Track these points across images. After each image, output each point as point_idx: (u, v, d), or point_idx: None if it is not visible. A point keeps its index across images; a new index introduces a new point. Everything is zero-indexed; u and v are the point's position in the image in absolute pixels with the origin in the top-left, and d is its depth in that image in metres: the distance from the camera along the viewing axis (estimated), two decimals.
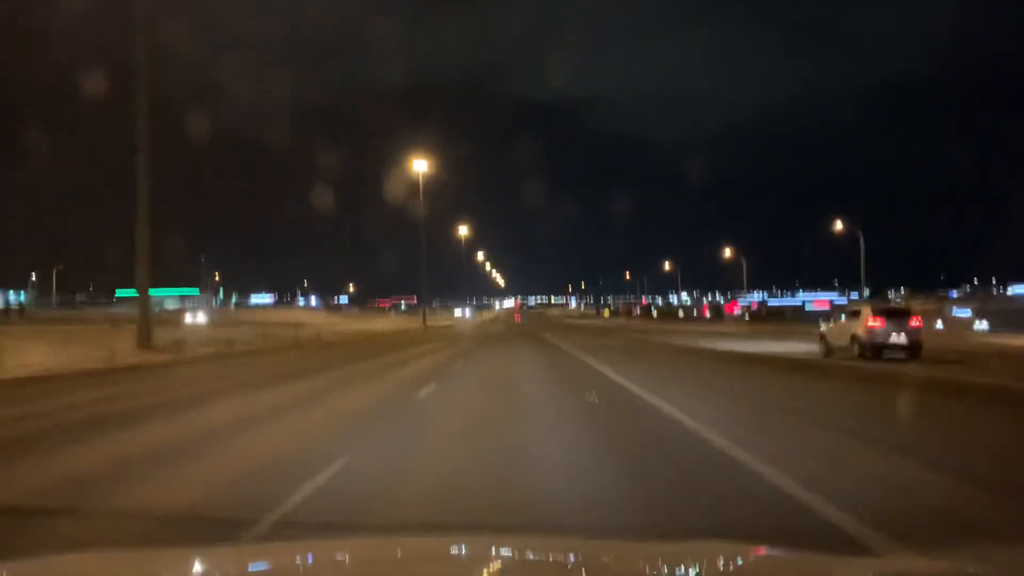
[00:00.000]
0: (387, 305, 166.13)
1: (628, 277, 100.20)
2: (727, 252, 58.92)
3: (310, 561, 2.68)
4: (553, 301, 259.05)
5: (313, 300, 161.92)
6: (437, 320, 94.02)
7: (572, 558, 2.63)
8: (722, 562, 2.51)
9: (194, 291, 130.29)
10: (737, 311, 77.15)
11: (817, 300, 68.39)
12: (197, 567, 2.56)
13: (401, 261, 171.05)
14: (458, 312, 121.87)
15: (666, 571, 2.45)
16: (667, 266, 77.80)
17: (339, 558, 2.75)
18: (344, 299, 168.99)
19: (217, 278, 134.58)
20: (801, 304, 63.22)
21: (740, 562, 2.53)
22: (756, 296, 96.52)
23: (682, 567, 2.46)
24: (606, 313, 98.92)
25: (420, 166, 62.56)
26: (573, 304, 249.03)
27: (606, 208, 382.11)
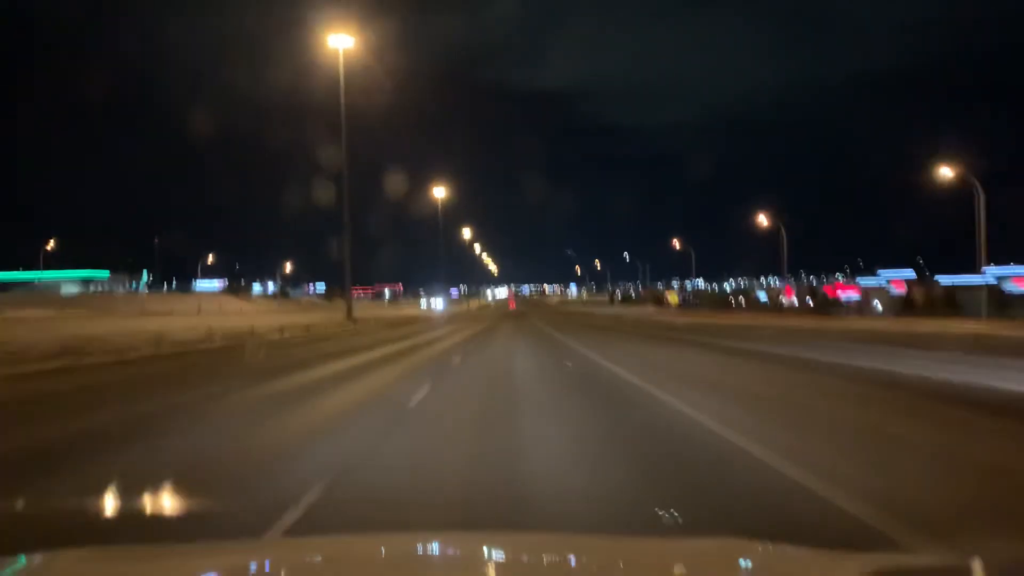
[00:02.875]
0: (364, 293, 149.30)
1: (678, 245, 72.79)
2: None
3: (305, 560, 2.62)
4: (548, 290, 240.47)
5: (271, 286, 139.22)
6: (395, 311, 67.90)
7: (573, 558, 2.57)
8: (725, 558, 2.42)
9: (103, 273, 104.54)
10: (848, 296, 50.95)
11: (1017, 277, 43.23)
12: (180, 568, 2.45)
13: (395, 251, 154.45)
14: (426, 303, 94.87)
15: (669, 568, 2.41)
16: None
17: (334, 557, 2.63)
18: (321, 287, 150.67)
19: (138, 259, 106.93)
20: (994, 283, 39.36)
21: (741, 559, 2.43)
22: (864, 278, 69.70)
23: (685, 565, 2.39)
24: (672, 299, 67.35)
25: (339, 42, 35.94)
26: (573, 292, 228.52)
27: (601, 197, 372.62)
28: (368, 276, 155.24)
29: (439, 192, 76.60)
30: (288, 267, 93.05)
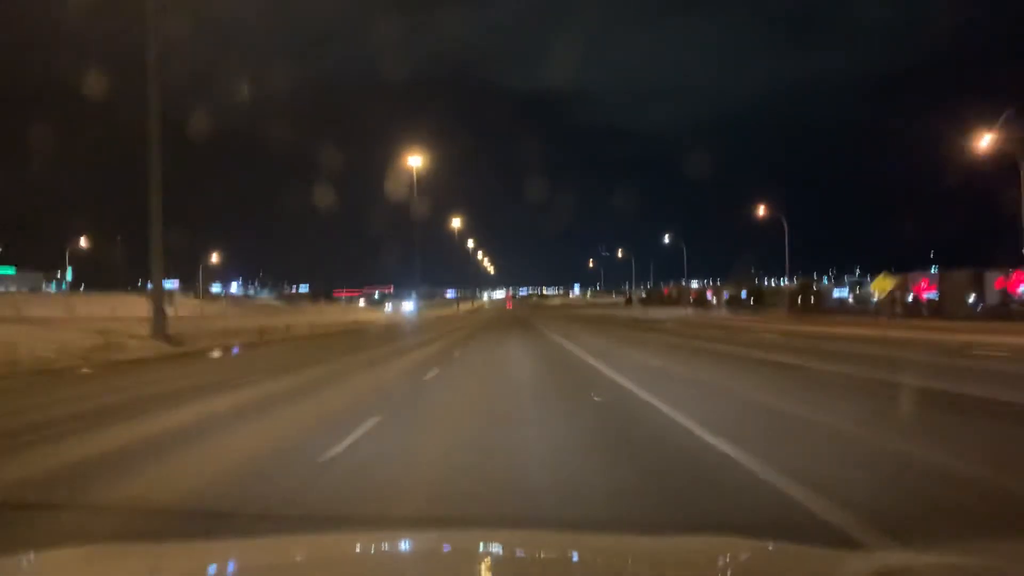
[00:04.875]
0: (350, 295, 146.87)
1: (762, 210, 52.81)
2: None
3: (298, 558, 2.56)
4: (545, 292, 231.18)
5: (233, 287, 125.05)
6: (340, 316, 49.45)
7: (573, 555, 2.50)
8: (722, 557, 2.30)
9: (8, 270, 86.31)
10: None
11: None
12: (180, 564, 2.42)
13: (394, 254, 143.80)
14: (391, 306, 75.98)
15: (665, 568, 2.30)
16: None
17: (328, 554, 2.55)
18: (304, 289, 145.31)
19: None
20: None
21: (740, 557, 2.32)
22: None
23: (681, 564, 2.28)
24: (883, 286, 43.42)
25: None
26: (576, 292, 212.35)
27: (600, 199, 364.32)
28: (368, 278, 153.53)
29: (414, 161, 58.80)
30: (214, 260, 72.85)
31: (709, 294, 68.11)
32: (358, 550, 2.61)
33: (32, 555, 2.33)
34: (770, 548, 2.45)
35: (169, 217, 21.75)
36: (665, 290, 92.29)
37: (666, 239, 60.70)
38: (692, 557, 2.30)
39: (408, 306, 65.92)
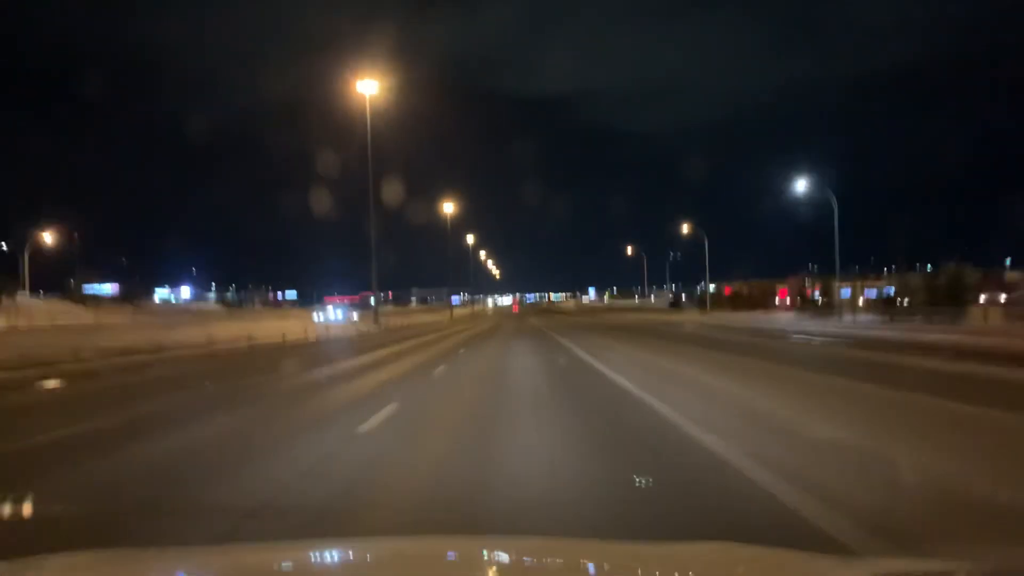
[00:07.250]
0: (338, 301, 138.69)
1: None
2: None
3: (295, 563, 2.50)
4: (553, 297, 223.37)
5: (188, 290, 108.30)
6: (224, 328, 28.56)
7: (563, 562, 2.47)
8: (720, 563, 2.29)
9: None
10: None
11: None
12: (181, 569, 2.38)
13: (396, 258, 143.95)
14: (320, 316, 56.67)
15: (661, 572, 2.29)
16: None
17: (328, 559, 2.54)
18: (292, 295, 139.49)
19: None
20: None
21: (742, 563, 2.31)
22: None
23: (681, 569, 2.28)
24: None
25: None
26: (592, 296, 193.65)
27: (602, 204, 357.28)
28: (365, 283, 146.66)
29: (368, 88, 38.78)
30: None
31: (813, 293, 46.59)
32: (354, 555, 2.58)
33: (16, 563, 2.24)
34: (772, 554, 2.41)
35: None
36: (727, 289, 70.62)
37: (802, 185, 38.39)
38: (693, 563, 2.27)
39: (336, 314, 45.81)
